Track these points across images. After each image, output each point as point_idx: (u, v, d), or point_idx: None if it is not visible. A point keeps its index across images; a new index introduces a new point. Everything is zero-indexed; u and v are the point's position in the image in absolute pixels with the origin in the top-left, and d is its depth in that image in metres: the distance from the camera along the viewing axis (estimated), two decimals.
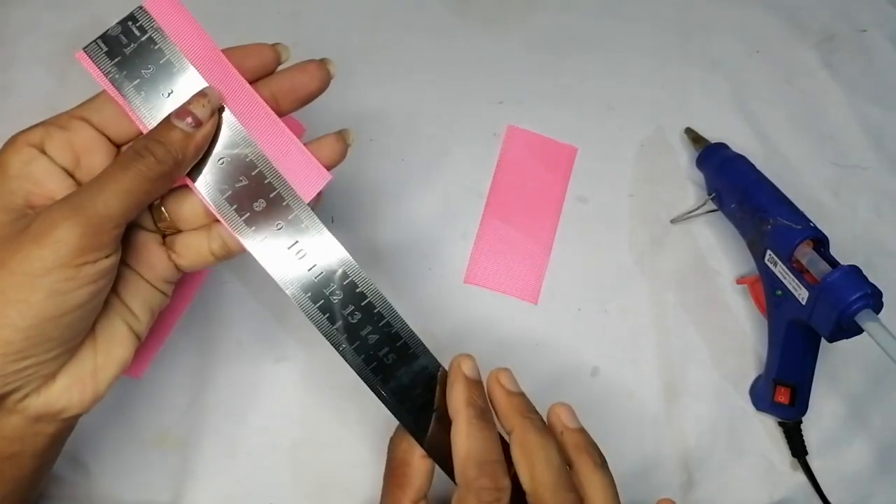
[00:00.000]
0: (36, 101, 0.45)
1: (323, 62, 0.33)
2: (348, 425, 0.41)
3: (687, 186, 0.47)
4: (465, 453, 0.29)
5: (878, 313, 0.34)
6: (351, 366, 0.30)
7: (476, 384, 0.31)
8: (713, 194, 0.44)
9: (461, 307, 0.43)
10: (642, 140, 0.48)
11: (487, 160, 0.46)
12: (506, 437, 0.31)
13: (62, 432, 0.30)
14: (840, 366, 0.44)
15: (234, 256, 0.30)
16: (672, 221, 0.46)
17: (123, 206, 0.26)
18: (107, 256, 0.26)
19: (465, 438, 0.29)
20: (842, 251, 0.38)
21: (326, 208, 0.44)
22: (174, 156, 0.27)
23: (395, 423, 0.41)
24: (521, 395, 0.32)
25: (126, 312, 0.29)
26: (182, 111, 0.28)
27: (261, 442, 0.40)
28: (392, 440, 0.32)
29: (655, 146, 0.48)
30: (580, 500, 0.29)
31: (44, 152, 0.28)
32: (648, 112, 0.48)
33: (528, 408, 0.31)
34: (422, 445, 0.31)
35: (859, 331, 0.34)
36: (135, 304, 0.30)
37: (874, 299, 0.34)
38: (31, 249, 0.25)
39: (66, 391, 0.28)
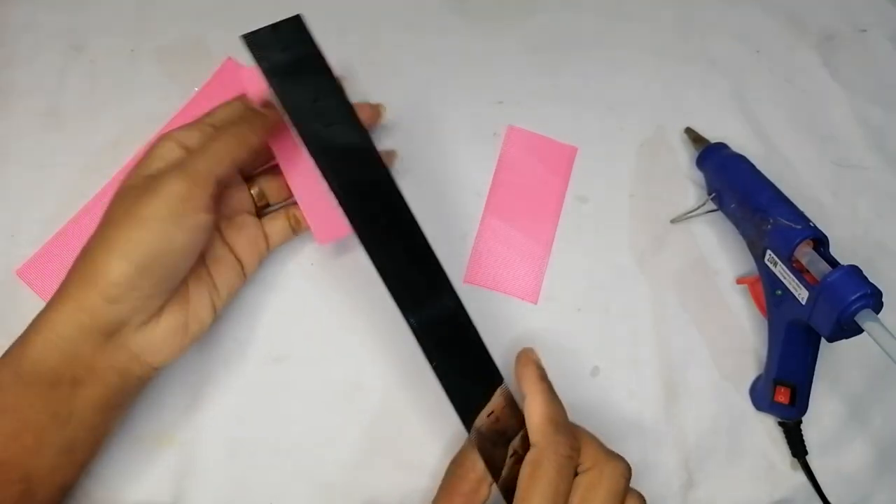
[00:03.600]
0: (36, 101, 0.45)
1: (376, 107, 0.41)
2: (348, 425, 0.41)
3: (687, 186, 0.47)
4: (544, 415, 0.32)
5: (878, 313, 0.34)
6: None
7: (543, 369, 0.35)
8: (713, 194, 0.44)
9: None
10: (642, 140, 0.48)
11: (487, 160, 0.46)
12: None
13: (142, 383, 0.35)
14: (840, 366, 0.44)
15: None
16: (672, 221, 0.46)
17: (220, 167, 0.33)
18: (205, 212, 0.32)
19: (542, 405, 0.33)
20: (842, 251, 0.38)
21: None
22: (265, 128, 0.35)
23: (396, 423, 0.41)
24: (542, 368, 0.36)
25: (212, 286, 0.36)
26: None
27: (261, 442, 0.40)
28: (459, 464, 0.34)
29: (655, 146, 0.48)
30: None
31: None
32: (648, 112, 0.48)
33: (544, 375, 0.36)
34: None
35: (859, 331, 0.34)
36: (220, 281, 0.37)
37: (874, 299, 0.34)
38: (149, 199, 0.31)
39: (161, 336, 0.33)
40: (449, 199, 0.45)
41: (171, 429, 0.39)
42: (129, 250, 0.31)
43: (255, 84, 0.36)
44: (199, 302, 0.35)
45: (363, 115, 0.36)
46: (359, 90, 0.47)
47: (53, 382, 0.31)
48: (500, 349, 0.42)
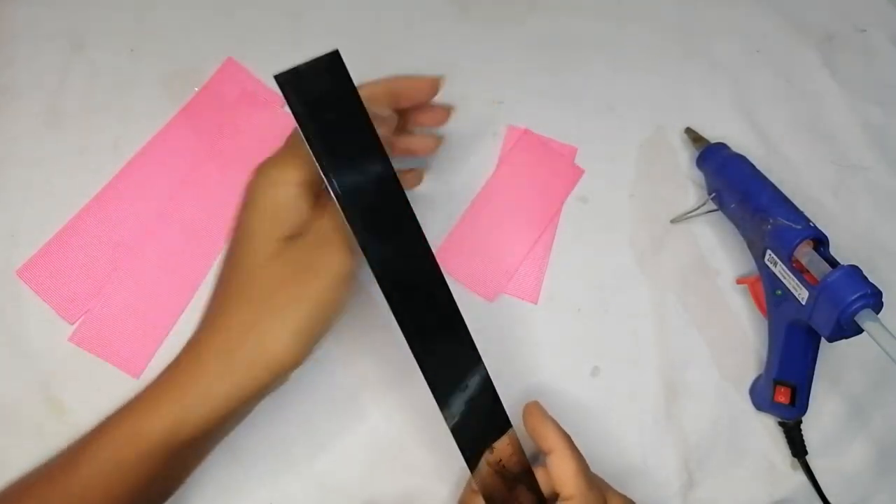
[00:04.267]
0: (36, 100, 0.45)
1: (436, 80, 0.39)
2: (348, 425, 0.41)
3: (687, 186, 0.47)
4: (576, 470, 0.33)
5: (878, 313, 0.34)
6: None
7: (555, 421, 0.36)
8: (713, 194, 0.44)
9: (462, 308, 0.43)
10: (642, 140, 0.48)
11: (487, 160, 0.46)
12: None
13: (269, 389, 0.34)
14: (840, 366, 0.44)
15: None
16: (672, 221, 0.46)
17: None
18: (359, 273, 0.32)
19: (570, 460, 0.34)
20: (842, 251, 0.38)
21: None
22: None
23: (396, 424, 0.41)
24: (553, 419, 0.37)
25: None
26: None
27: (262, 442, 0.40)
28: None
29: (655, 146, 0.48)
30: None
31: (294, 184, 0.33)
32: (648, 112, 0.48)
33: (560, 430, 0.36)
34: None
35: (859, 331, 0.34)
36: None
37: (874, 299, 0.34)
38: (313, 279, 0.31)
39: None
40: (449, 199, 0.45)
41: None
42: (302, 330, 0.31)
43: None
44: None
45: (403, 179, 0.35)
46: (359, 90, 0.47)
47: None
48: (500, 349, 0.42)
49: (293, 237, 0.32)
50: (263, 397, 0.33)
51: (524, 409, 0.37)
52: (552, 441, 0.35)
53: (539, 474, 0.35)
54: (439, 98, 0.47)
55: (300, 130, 0.31)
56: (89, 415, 0.39)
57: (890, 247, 0.47)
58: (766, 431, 0.43)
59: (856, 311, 0.34)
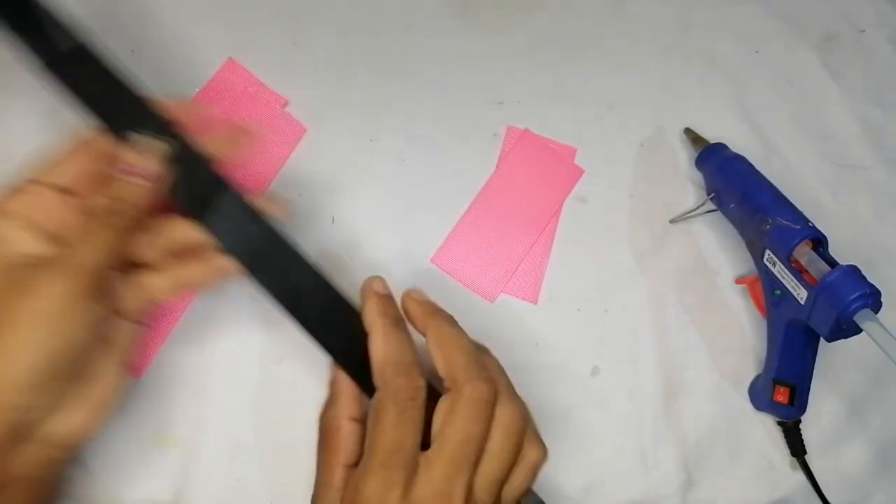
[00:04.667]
0: (37, 101, 0.45)
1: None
2: None
3: (686, 186, 0.47)
4: (382, 357, 0.31)
5: (876, 313, 0.34)
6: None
7: (387, 298, 0.34)
8: (712, 194, 0.44)
9: (462, 308, 0.43)
10: (642, 140, 0.48)
11: (487, 160, 0.46)
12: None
13: (70, 458, 0.32)
14: (839, 365, 0.44)
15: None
16: (671, 221, 0.46)
17: (105, 259, 0.30)
18: (96, 302, 0.29)
19: (381, 344, 0.31)
20: (841, 251, 0.39)
21: (326, 208, 0.44)
22: (138, 209, 0.31)
23: None
24: (431, 302, 0.35)
25: (110, 349, 0.32)
26: (129, 168, 0.31)
27: (261, 442, 0.40)
28: (322, 413, 0.34)
29: (655, 146, 0.48)
30: (489, 375, 0.32)
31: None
32: (648, 112, 0.48)
33: (438, 309, 0.34)
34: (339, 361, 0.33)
35: (858, 330, 0.35)
36: (117, 340, 0.32)
37: (873, 299, 0.34)
38: (28, 301, 0.28)
39: (74, 419, 0.30)
40: (449, 199, 0.45)
41: (171, 429, 0.39)
42: (25, 355, 0.28)
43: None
44: (106, 369, 0.31)
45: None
46: (359, 90, 0.47)
47: None
48: (500, 349, 0.42)
49: (20, 269, 0.30)
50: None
51: (361, 285, 0.35)
52: (369, 322, 0.33)
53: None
54: (440, 101, 0.47)
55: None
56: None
57: (889, 246, 0.47)
58: (765, 431, 0.43)
59: (855, 311, 0.34)
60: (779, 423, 0.43)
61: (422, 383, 0.31)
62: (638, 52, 0.50)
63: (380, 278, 0.35)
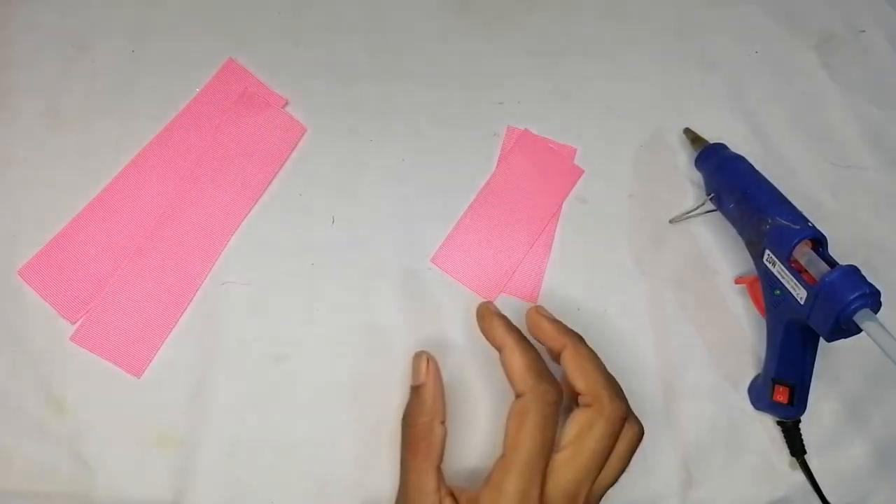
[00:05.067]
0: (37, 101, 0.45)
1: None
2: (348, 425, 0.41)
3: (686, 186, 0.47)
4: (523, 366, 0.34)
5: (876, 313, 0.34)
6: None
7: (506, 318, 0.36)
8: (712, 194, 0.44)
9: (462, 308, 0.43)
10: (641, 140, 0.48)
11: (487, 160, 0.46)
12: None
13: None
14: (839, 365, 0.44)
15: None
16: (671, 221, 0.46)
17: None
18: None
19: (519, 356, 0.34)
20: (840, 251, 0.39)
21: (326, 208, 0.44)
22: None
23: (396, 423, 0.41)
24: (558, 320, 0.37)
25: None
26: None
27: (261, 442, 0.40)
28: (408, 414, 0.36)
29: (654, 146, 0.48)
30: (623, 396, 0.35)
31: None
32: (648, 112, 0.49)
33: (568, 328, 0.37)
34: None
35: (858, 330, 0.35)
36: None
37: (873, 299, 0.34)
38: None
39: None
40: (449, 199, 0.45)
41: (171, 429, 0.39)
42: None
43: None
44: None
45: None
46: (359, 90, 0.47)
47: None
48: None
49: None
50: None
51: (477, 310, 0.37)
52: (500, 338, 0.35)
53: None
54: (440, 101, 0.47)
55: None
56: (90, 415, 0.39)
57: (888, 246, 0.47)
58: (764, 431, 0.43)
59: (854, 311, 0.34)
60: (778, 423, 0.43)
61: (561, 389, 0.33)
62: (638, 53, 0.50)
63: (490, 302, 0.38)
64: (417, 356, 0.37)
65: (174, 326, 0.41)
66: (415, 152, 0.46)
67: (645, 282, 0.45)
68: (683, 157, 0.48)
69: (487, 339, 0.36)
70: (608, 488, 0.34)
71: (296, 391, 0.41)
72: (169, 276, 0.42)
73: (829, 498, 0.42)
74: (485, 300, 0.39)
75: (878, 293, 0.35)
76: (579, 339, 0.36)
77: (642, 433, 0.35)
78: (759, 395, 0.42)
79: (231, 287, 0.42)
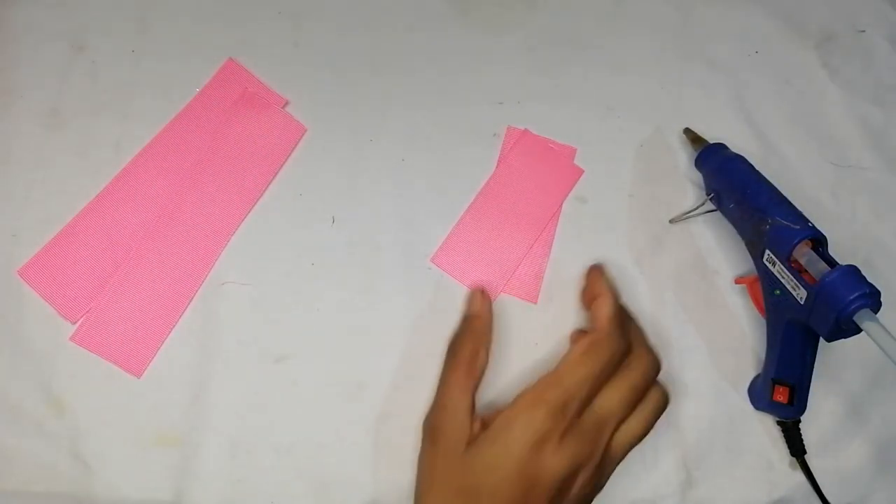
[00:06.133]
0: (37, 101, 0.45)
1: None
2: (348, 425, 0.41)
3: (686, 186, 0.47)
4: (611, 314, 0.37)
5: (876, 313, 0.34)
6: None
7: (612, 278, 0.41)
8: (712, 194, 0.44)
9: (462, 307, 0.43)
10: (642, 140, 0.48)
11: (487, 160, 0.46)
12: None
13: None
14: (839, 365, 0.44)
15: None
16: (671, 221, 0.46)
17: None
18: None
19: (611, 306, 0.38)
20: (840, 251, 0.39)
21: (326, 208, 0.44)
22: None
23: (397, 423, 0.41)
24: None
25: None
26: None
27: (261, 442, 0.40)
28: (457, 340, 0.39)
29: (655, 146, 0.48)
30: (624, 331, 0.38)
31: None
32: (648, 112, 0.48)
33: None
34: None
35: (858, 330, 0.35)
36: None
37: (872, 299, 0.34)
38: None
39: None
40: (449, 199, 0.45)
41: (171, 429, 0.39)
42: None
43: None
44: None
45: None
46: (359, 90, 0.47)
47: None
48: (500, 349, 0.42)
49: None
50: None
51: (589, 270, 0.41)
52: (600, 288, 0.39)
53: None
54: (441, 101, 0.47)
55: None
56: (91, 414, 0.39)
57: (888, 246, 0.47)
58: (764, 431, 0.43)
59: (854, 311, 0.34)
60: (778, 423, 0.43)
61: (628, 351, 0.36)
62: (638, 52, 0.50)
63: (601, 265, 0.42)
64: (474, 290, 0.41)
65: (174, 326, 0.41)
66: (415, 152, 0.46)
67: (645, 282, 0.45)
68: (683, 157, 0.48)
69: (588, 285, 0.41)
70: (633, 443, 0.36)
71: (296, 391, 0.41)
72: (169, 275, 0.42)
73: (829, 498, 0.42)
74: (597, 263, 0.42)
75: (878, 293, 0.35)
76: (614, 293, 0.39)
77: (667, 399, 0.37)
78: (759, 395, 0.42)
79: (231, 287, 0.42)
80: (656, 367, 0.37)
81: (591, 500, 0.36)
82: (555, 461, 0.32)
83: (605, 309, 0.38)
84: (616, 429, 0.35)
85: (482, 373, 0.37)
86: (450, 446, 0.35)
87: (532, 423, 0.33)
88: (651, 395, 0.37)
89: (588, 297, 0.40)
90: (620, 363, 0.36)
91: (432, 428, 0.36)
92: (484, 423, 0.35)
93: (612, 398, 0.35)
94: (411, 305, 0.43)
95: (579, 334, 0.41)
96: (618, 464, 0.36)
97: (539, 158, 0.46)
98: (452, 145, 0.46)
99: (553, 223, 0.45)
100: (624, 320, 0.38)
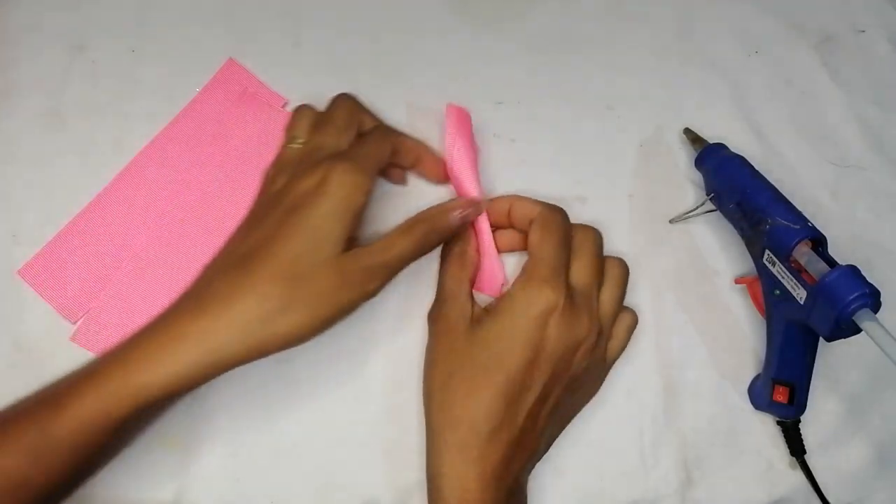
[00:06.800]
0: (37, 100, 0.45)
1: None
2: (348, 425, 0.41)
3: (686, 186, 0.47)
4: (535, 200, 0.40)
5: (876, 313, 0.34)
6: None
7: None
8: (712, 194, 0.44)
9: None
10: (641, 140, 0.48)
11: (487, 161, 0.46)
12: None
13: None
14: (838, 365, 0.44)
15: None
16: (671, 221, 0.46)
17: (400, 263, 0.36)
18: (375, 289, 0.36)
19: (535, 201, 0.40)
20: (840, 251, 0.39)
21: None
22: (442, 236, 0.39)
23: (397, 423, 0.41)
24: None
25: None
26: (456, 212, 0.39)
27: (261, 442, 0.40)
28: (447, 245, 0.40)
29: (654, 146, 0.48)
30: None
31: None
32: (648, 112, 0.49)
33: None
34: None
35: (857, 330, 0.35)
36: None
37: (872, 299, 0.34)
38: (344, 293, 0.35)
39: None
40: (446, 199, 0.45)
41: (171, 429, 0.39)
42: (309, 323, 0.34)
43: None
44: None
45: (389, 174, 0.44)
46: (359, 90, 0.47)
47: None
48: None
49: (347, 246, 0.35)
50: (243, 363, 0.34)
51: (495, 201, 0.41)
52: (505, 200, 0.40)
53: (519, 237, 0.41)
54: (440, 101, 0.47)
55: None
56: None
57: (888, 247, 0.47)
58: (764, 431, 0.43)
59: (854, 311, 0.34)
60: (778, 423, 0.43)
61: (567, 218, 0.39)
62: (638, 52, 0.50)
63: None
64: (454, 202, 0.40)
65: None
66: None
67: (644, 282, 0.45)
68: (683, 157, 0.48)
69: (497, 217, 0.41)
70: (617, 310, 0.39)
71: (296, 391, 0.41)
72: (169, 275, 0.42)
73: (829, 498, 0.42)
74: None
75: (877, 293, 0.35)
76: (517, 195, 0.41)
77: (625, 264, 0.40)
78: (759, 395, 0.42)
79: None
80: (599, 235, 0.40)
81: (590, 386, 0.40)
82: (559, 332, 0.35)
83: (524, 200, 0.40)
84: (598, 298, 0.38)
85: (474, 267, 0.40)
86: (451, 325, 0.37)
87: (532, 298, 0.35)
88: (611, 264, 0.40)
89: (503, 216, 0.41)
90: (570, 233, 0.38)
91: (434, 316, 0.39)
92: (485, 308, 0.38)
93: (582, 271, 0.37)
94: (411, 305, 0.43)
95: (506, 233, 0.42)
96: (608, 338, 0.39)
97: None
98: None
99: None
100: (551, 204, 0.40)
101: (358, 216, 0.35)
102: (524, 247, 0.40)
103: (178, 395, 0.32)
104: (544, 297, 0.35)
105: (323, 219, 0.34)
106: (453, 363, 0.36)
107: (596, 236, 0.39)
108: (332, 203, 0.34)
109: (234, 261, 0.34)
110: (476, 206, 0.40)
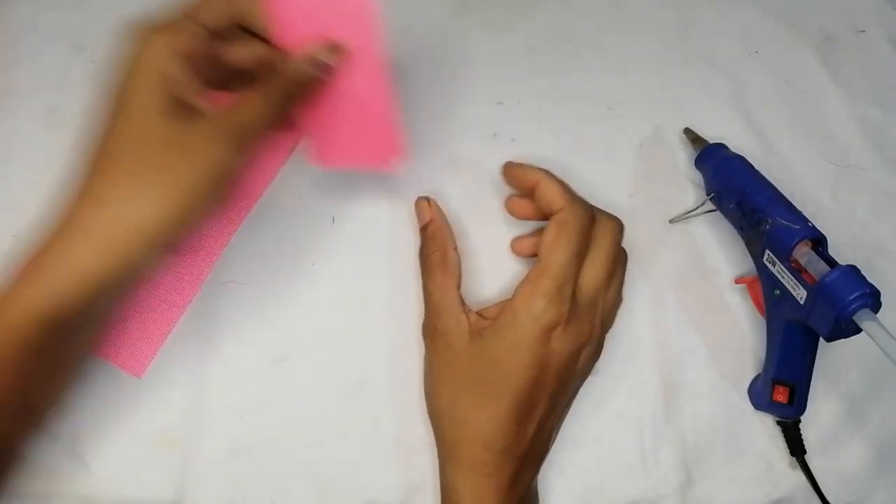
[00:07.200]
0: (37, 100, 0.45)
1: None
2: (349, 425, 0.41)
3: (686, 186, 0.47)
4: (560, 189, 0.38)
5: (876, 313, 0.34)
6: None
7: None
8: (712, 194, 0.44)
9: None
10: (642, 140, 0.48)
11: (487, 161, 0.46)
12: None
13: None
14: (839, 365, 0.44)
15: None
16: (671, 221, 0.46)
17: (252, 121, 0.32)
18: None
19: (555, 183, 0.38)
20: (840, 251, 0.39)
21: (326, 208, 0.44)
22: (303, 92, 0.34)
23: (397, 423, 0.41)
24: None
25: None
26: (317, 61, 0.34)
27: (261, 442, 0.40)
28: (423, 251, 0.40)
29: (655, 146, 0.48)
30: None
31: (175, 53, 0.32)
32: (648, 112, 0.48)
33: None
34: None
35: (858, 330, 0.35)
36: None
37: (872, 299, 0.34)
38: (190, 165, 0.31)
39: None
40: (448, 199, 0.45)
41: (171, 429, 0.39)
42: (169, 208, 0.31)
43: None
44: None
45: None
46: None
47: None
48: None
49: (175, 114, 0.31)
50: (134, 277, 0.32)
51: (502, 168, 0.41)
52: (533, 175, 0.39)
53: (535, 208, 0.40)
54: (440, 101, 0.47)
55: None
56: (91, 414, 0.39)
57: (888, 247, 0.47)
58: (764, 431, 0.43)
59: (854, 311, 0.34)
60: (778, 423, 0.43)
61: (593, 213, 0.38)
62: (638, 52, 0.50)
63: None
64: (419, 200, 0.41)
65: (174, 326, 0.41)
66: (414, 152, 0.46)
67: (644, 282, 0.45)
68: (683, 157, 0.48)
69: (518, 181, 0.40)
70: (618, 306, 0.39)
71: (296, 391, 0.41)
72: (169, 275, 0.42)
73: (829, 498, 0.42)
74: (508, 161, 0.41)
75: (877, 293, 0.35)
76: (549, 172, 0.39)
77: (621, 224, 0.39)
78: (759, 395, 0.42)
79: (231, 287, 0.42)
80: (621, 227, 0.39)
81: (592, 368, 0.39)
82: (563, 345, 0.35)
83: (552, 187, 0.38)
84: (604, 298, 0.37)
85: (458, 269, 0.39)
86: (451, 339, 0.36)
87: (535, 314, 0.35)
88: (605, 228, 0.38)
89: (526, 189, 0.39)
90: (591, 233, 0.37)
91: (430, 332, 0.38)
92: (480, 314, 0.38)
93: (595, 274, 0.36)
94: (412, 305, 0.43)
95: (522, 239, 0.42)
96: (608, 328, 0.39)
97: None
98: (452, 145, 0.46)
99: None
100: (570, 190, 0.38)
101: (175, 79, 0.31)
102: (537, 217, 0.40)
103: (72, 314, 0.31)
104: (548, 315, 0.34)
105: (129, 92, 0.31)
106: (459, 379, 0.36)
107: (616, 230, 0.38)
108: (133, 72, 0.32)
109: (81, 171, 0.33)
110: (338, 51, 0.34)
